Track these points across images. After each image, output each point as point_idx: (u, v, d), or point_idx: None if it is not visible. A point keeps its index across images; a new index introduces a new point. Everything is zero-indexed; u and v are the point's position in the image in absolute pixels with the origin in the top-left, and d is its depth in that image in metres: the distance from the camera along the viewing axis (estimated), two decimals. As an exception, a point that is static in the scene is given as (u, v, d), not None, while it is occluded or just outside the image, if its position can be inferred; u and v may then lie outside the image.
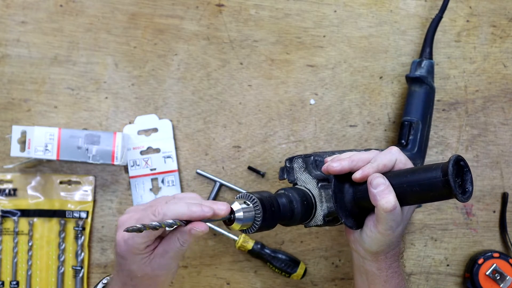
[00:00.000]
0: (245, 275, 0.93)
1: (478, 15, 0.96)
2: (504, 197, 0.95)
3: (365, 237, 0.71)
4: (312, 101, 0.95)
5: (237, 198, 0.69)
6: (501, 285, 0.90)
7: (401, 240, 0.74)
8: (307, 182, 0.75)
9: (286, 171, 0.78)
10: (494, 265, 0.90)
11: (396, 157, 0.70)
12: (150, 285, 0.71)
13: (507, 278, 0.90)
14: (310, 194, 0.73)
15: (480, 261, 0.91)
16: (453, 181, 0.62)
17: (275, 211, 0.69)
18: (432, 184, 0.64)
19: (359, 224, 0.71)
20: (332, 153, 0.76)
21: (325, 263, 0.94)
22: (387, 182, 0.66)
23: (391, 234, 0.69)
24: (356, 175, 0.69)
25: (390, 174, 0.68)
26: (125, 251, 0.67)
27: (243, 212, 0.67)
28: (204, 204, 0.66)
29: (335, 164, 0.69)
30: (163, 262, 0.68)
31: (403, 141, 0.89)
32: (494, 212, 0.95)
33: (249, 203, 0.67)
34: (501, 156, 0.95)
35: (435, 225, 0.94)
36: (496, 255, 0.91)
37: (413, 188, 0.66)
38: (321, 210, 0.73)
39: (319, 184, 0.73)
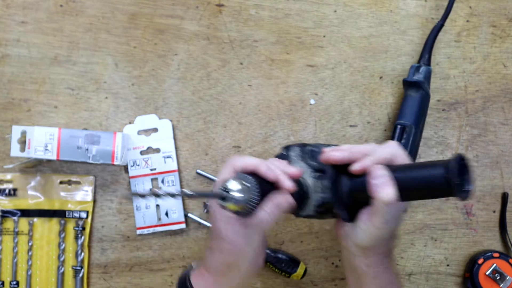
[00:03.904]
0: (245, 275, 0.93)
1: (478, 15, 0.96)
2: (504, 197, 0.95)
3: (358, 231, 0.70)
4: (312, 101, 0.95)
5: (233, 178, 0.66)
6: (501, 285, 0.90)
7: (392, 240, 0.74)
8: (302, 171, 0.74)
9: (282, 158, 0.77)
10: (494, 265, 0.90)
11: (395, 151, 0.69)
12: (236, 254, 0.71)
13: (507, 278, 0.90)
14: (304, 183, 0.73)
15: (480, 261, 0.91)
16: (455, 179, 0.62)
17: (269, 194, 0.68)
18: (434, 180, 0.64)
19: (352, 218, 0.71)
20: (329, 145, 0.76)
21: (325, 263, 0.94)
22: (389, 174, 0.66)
23: (385, 227, 0.68)
24: (356, 167, 0.68)
25: (391, 168, 0.67)
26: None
27: (239, 191, 0.64)
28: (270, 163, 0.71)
29: (337, 153, 0.69)
30: (243, 230, 0.69)
31: None
32: (494, 212, 0.95)
33: (245, 183, 0.65)
34: (501, 156, 0.95)
35: (435, 225, 0.94)
36: (496, 255, 0.91)
37: (414, 183, 0.65)
38: (314, 200, 0.72)
39: (314, 175, 0.73)
